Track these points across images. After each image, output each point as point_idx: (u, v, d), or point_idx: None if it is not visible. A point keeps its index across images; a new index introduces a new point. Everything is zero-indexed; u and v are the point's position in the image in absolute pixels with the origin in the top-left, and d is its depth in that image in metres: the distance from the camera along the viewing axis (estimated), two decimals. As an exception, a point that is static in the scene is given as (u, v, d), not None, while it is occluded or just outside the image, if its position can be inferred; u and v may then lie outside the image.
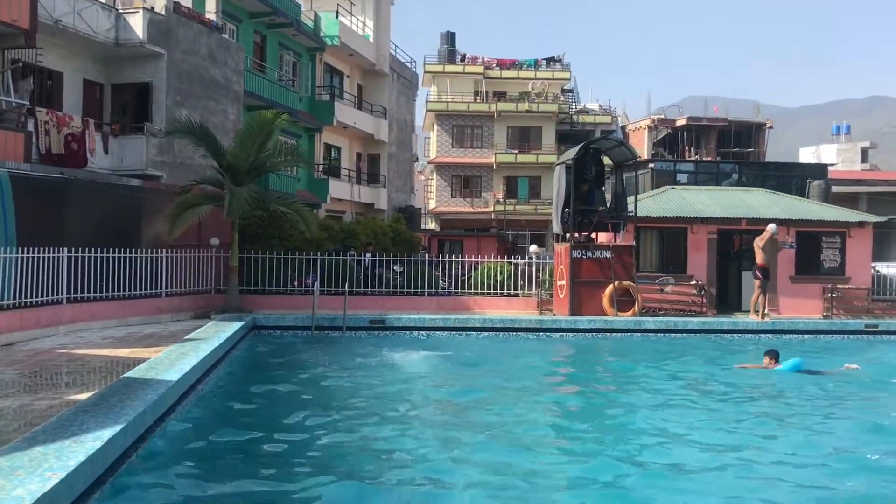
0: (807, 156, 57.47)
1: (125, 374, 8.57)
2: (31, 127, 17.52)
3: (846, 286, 20.63)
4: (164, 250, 17.15)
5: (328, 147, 37.78)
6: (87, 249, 15.04)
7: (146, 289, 16.70)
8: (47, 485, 4.39)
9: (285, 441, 7.83)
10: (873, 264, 21.78)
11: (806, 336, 17.79)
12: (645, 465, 7.34)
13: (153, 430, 6.92)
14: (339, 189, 36.66)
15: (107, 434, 5.57)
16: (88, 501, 5.03)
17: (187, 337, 12.47)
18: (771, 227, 18.67)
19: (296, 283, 19.37)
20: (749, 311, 18.94)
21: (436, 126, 51.74)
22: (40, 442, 5.33)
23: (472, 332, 17.14)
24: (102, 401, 6.87)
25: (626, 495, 6.45)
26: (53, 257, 14.20)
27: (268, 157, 18.54)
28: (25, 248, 13.40)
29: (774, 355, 12.97)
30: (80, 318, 14.61)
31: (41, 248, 13.79)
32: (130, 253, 16.26)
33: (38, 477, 4.51)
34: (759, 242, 18.57)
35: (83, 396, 7.39)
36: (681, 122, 50.97)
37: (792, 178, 32.23)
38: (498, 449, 7.88)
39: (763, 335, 17.54)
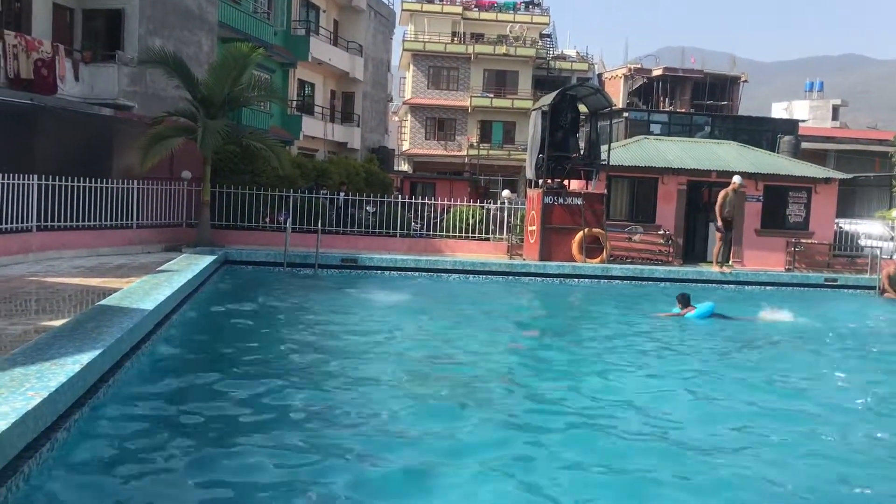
0: (779, 111, 57.87)
1: (100, 302, 8.64)
2: (-2, 51, 17.10)
3: (809, 241, 21.13)
4: (136, 182, 17.02)
5: (302, 83, 37.29)
6: (57, 178, 14.89)
7: (117, 220, 16.61)
8: (31, 403, 4.51)
9: (257, 369, 8.03)
10: (837, 220, 22.31)
11: (767, 287, 18.27)
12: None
13: (129, 357, 7.04)
14: (312, 127, 36.33)
15: (85, 358, 5.68)
16: (69, 421, 5.17)
17: (160, 268, 12.49)
18: (736, 178, 18.98)
19: (267, 219, 19.36)
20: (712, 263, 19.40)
21: (412, 66, 51.15)
22: (20, 363, 5.43)
23: (443, 274, 17.36)
24: (79, 326, 6.96)
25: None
26: (23, 184, 14.05)
27: (242, 92, 18.35)
28: (-7, 175, 13.26)
29: (685, 300, 13.20)
30: (49, 246, 14.53)
31: (10, 175, 13.64)
32: (101, 183, 16.11)
33: (21, 395, 4.63)
34: (722, 195, 18.87)
35: (57, 323, 7.46)
36: (657, 72, 50.89)
37: (763, 132, 32.61)
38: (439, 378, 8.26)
39: (726, 286, 17.98)
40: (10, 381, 4.93)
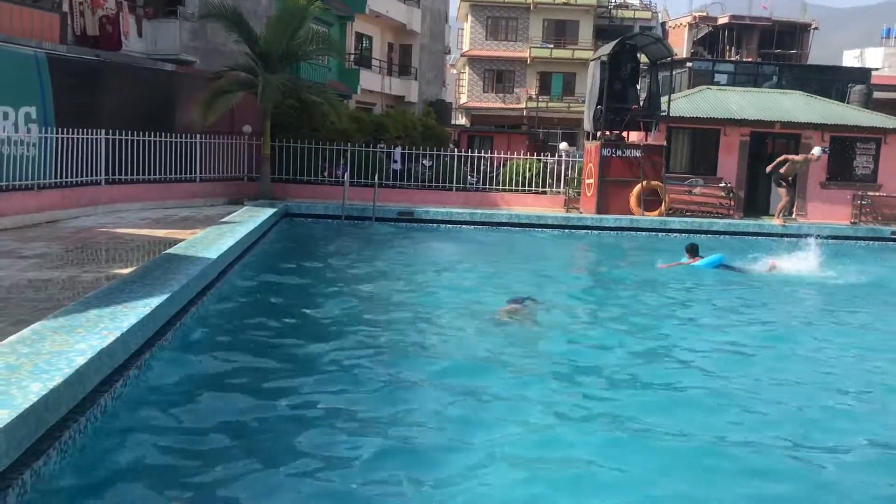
0: (850, 59, 55.51)
1: (167, 251, 9.00)
2: (65, 8, 17.54)
3: (877, 193, 20.49)
4: (198, 136, 17.44)
5: (359, 36, 37.24)
6: (124, 132, 15.37)
7: (181, 173, 17.09)
8: (105, 341, 4.81)
9: (315, 316, 8.32)
10: (908, 172, 21.54)
11: (830, 241, 17.83)
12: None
13: (195, 303, 7.36)
14: (369, 80, 36.35)
15: (154, 302, 5.99)
16: (140, 360, 5.49)
17: (223, 220, 12.89)
18: (816, 150, 18.51)
19: (326, 173, 19.65)
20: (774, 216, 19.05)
21: (470, 17, 50.48)
22: (94, 306, 5.76)
23: (499, 227, 17.43)
24: (148, 273, 7.30)
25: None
26: (92, 139, 14.55)
27: (300, 45, 18.50)
28: (63, 129, 13.74)
29: (694, 250, 12.99)
30: (117, 199, 15.08)
31: (80, 130, 14.13)
32: (165, 137, 16.57)
33: (97, 335, 4.94)
34: (797, 158, 18.39)
35: (126, 271, 7.82)
36: (723, 20, 49.16)
37: (833, 82, 31.38)
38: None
39: (787, 239, 17.61)
40: (86, 322, 5.25)
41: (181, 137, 17.02)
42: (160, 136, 16.39)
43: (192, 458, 4.63)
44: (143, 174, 16.05)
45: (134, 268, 7.92)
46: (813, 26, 48.72)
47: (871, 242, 18.09)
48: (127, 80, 16.41)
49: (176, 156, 16.91)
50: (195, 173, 17.49)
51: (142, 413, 5.13)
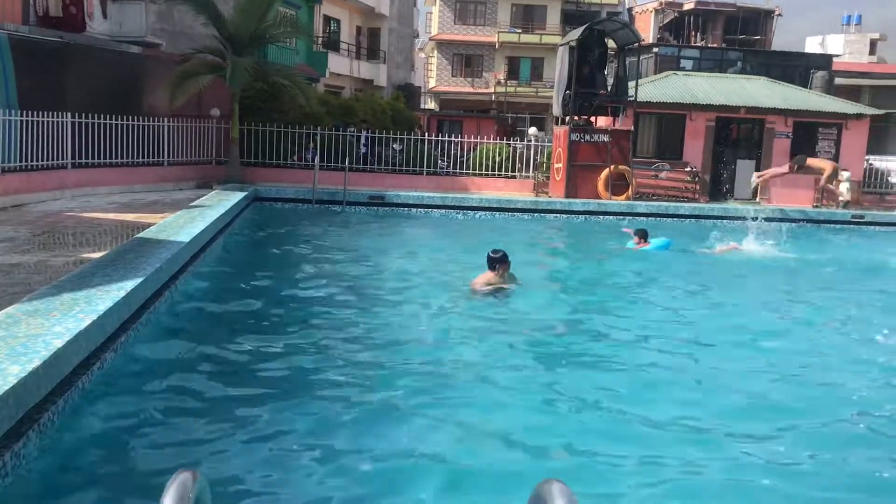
0: (813, 45, 56.33)
1: (138, 235, 8.96)
2: (27, -12, 17.21)
3: (838, 178, 20.90)
4: (166, 119, 17.26)
5: (327, 19, 36.98)
6: (90, 115, 15.16)
7: (149, 157, 16.93)
8: (82, 324, 4.82)
9: (289, 300, 8.35)
10: (868, 157, 22.04)
11: (794, 224, 18.20)
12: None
13: (168, 286, 7.36)
14: (338, 64, 36.16)
15: (129, 285, 5.98)
16: (116, 343, 5.50)
17: (193, 204, 12.80)
18: (845, 174, 18.77)
19: (295, 157, 19.58)
20: (739, 198, 19.41)
21: (438, 1, 50.30)
22: (68, 290, 5.74)
23: (469, 211, 17.53)
24: (120, 257, 7.28)
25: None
26: (57, 122, 14.35)
27: (268, 28, 18.36)
28: (27, 112, 13.52)
29: (643, 235, 13.07)
30: (84, 183, 14.91)
31: (45, 113, 13.92)
32: (132, 121, 16.38)
33: (73, 317, 4.94)
34: (827, 170, 18.49)
35: (95, 255, 7.77)
36: (688, 6, 49.58)
37: (796, 67, 31.86)
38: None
39: (747, 221, 17.93)
40: (61, 305, 5.24)
41: (148, 121, 16.84)
42: (127, 120, 16.20)
43: (178, 434, 4.69)
44: (111, 158, 15.87)
45: (104, 252, 7.87)
46: (777, 13, 49.35)
47: (832, 225, 18.51)
48: (92, 62, 16.17)
49: (143, 139, 16.74)
50: (163, 157, 17.34)
51: (121, 394, 5.15)
